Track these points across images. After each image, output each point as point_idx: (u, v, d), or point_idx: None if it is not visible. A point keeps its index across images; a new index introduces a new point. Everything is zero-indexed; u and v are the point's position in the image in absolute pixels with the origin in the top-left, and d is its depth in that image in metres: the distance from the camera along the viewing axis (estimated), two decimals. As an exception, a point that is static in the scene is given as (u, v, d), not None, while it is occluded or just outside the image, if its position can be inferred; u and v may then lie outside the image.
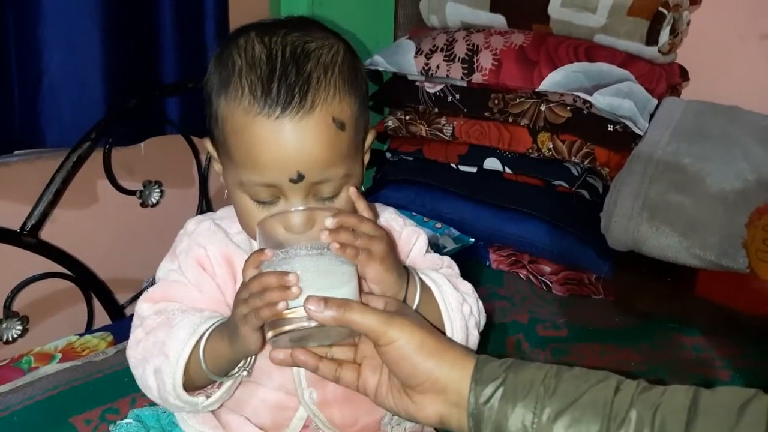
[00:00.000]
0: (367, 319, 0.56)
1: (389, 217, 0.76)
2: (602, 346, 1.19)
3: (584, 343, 1.20)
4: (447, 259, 0.77)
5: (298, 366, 0.62)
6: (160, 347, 0.64)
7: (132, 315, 1.31)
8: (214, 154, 0.69)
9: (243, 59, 0.62)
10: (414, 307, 0.65)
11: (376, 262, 0.60)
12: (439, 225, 1.53)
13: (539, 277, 1.42)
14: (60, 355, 1.08)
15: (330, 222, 0.58)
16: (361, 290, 0.60)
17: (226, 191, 0.69)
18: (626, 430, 0.51)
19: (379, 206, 0.75)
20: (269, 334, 0.57)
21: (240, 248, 0.69)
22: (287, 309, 0.55)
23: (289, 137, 0.60)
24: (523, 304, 1.34)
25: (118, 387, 0.96)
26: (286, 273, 0.56)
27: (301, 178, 0.61)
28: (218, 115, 0.63)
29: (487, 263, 1.49)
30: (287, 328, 0.56)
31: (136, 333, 0.68)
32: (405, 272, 0.66)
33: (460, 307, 0.68)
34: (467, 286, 0.73)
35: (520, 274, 1.44)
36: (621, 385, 0.55)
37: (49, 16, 1.20)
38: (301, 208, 0.61)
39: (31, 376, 0.99)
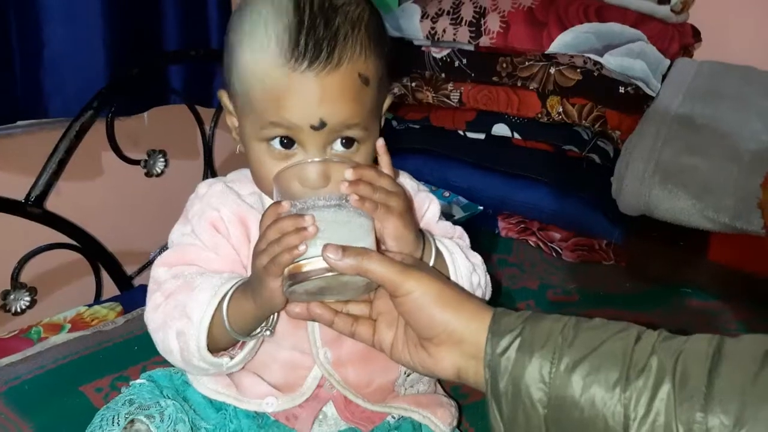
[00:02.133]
0: (384, 269, 0.55)
1: (403, 181, 0.75)
2: (614, 311, 1.18)
3: (596, 308, 1.19)
4: (459, 229, 0.76)
5: (314, 320, 0.61)
6: (181, 310, 0.63)
7: (140, 285, 1.33)
8: (229, 107, 0.69)
9: (269, 9, 0.61)
10: None
11: (394, 216, 0.60)
12: (447, 193, 1.51)
13: (549, 244, 1.40)
14: (69, 326, 1.08)
15: (350, 174, 0.58)
16: (378, 247, 0.59)
17: (239, 147, 0.69)
18: (647, 377, 0.50)
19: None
20: (286, 285, 0.56)
21: (253, 208, 0.69)
22: (305, 259, 0.55)
23: (314, 88, 0.60)
24: (533, 271, 1.33)
25: (128, 355, 0.96)
26: (301, 216, 0.55)
27: (323, 125, 0.60)
28: (240, 65, 0.63)
29: (496, 231, 1.48)
30: (305, 276, 0.55)
31: (154, 297, 0.67)
32: (421, 234, 0.65)
33: (470, 276, 0.68)
34: (477, 258, 0.72)
35: (530, 241, 1.43)
36: (642, 335, 0.53)
37: (49, -16, 1.18)
38: (318, 159, 0.60)
39: (40, 346, 0.99)
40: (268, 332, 0.64)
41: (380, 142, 0.63)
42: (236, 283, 0.63)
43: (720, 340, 0.52)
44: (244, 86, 0.63)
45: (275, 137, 0.63)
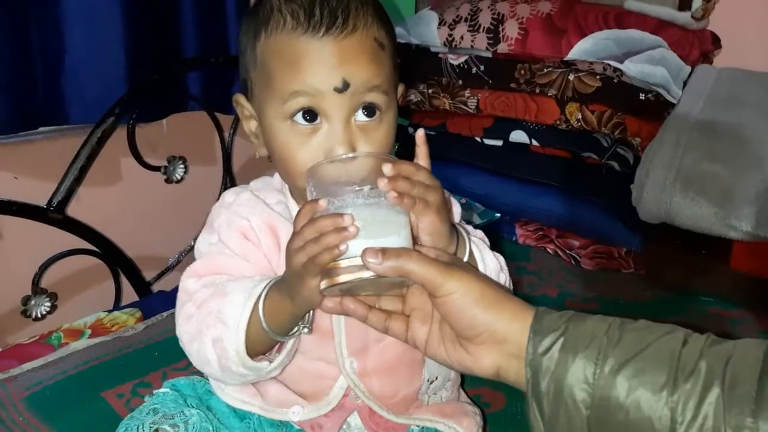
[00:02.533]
0: (425, 269, 0.55)
1: None
2: (634, 319, 1.17)
3: (615, 316, 1.18)
4: (480, 232, 0.76)
5: (348, 314, 0.60)
6: (216, 316, 0.62)
7: (159, 291, 1.33)
8: (247, 107, 0.69)
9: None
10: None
11: (432, 212, 0.59)
12: (464, 200, 1.51)
13: (567, 252, 1.39)
14: (89, 331, 1.08)
15: (388, 169, 0.56)
16: (413, 242, 0.59)
17: (258, 151, 0.69)
18: (695, 381, 0.49)
19: None
20: (323, 284, 0.55)
21: (282, 217, 0.68)
22: (344, 258, 0.54)
23: (333, 51, 0.61)
24: (551, 279, 1.32)
25: (149, 361, 0.96)
26: (340, 215, 0.54)
27: (346, 85, 0.61)
28: (257, 53, 0.64)
29: (514, 238, 1.47)
30: (344, 278, 0.54)
31: (185, 308, 0.66)
32: (455, 228, 0.64)
33: (498, 275, 0.68)
34: (501, 258, 0.72)
35: (548, 249, 1.42)
36: (689, 338, 0.52)
37: (70, -8, 1.19)
38: (351, 155, 0.60)
39: (61, 352, 0.99)
40: (306, 329, 0.63)
41: (420, 132, 0.63)
42: (269, 282, 0.63)
43: None
44: (264, 68, 0.64)
45: (299, 110, 0.62)
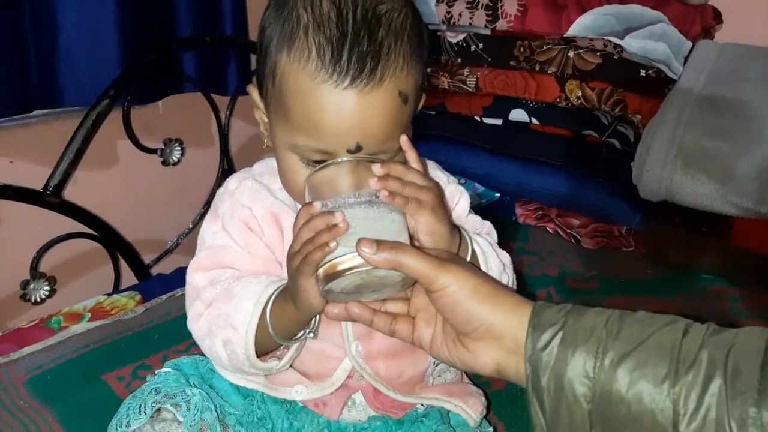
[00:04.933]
0: (419, 263, 0.54)
1: (432, 173, 0.74)
2: (634, 298, 1.16)
3: (616, 295, 1.18)
4: (488, 225, 0.75)
5: (354, 320, 0.60)
6: (225, 320, 0.63)
7: (158, 274, 1.33)
8: (260, 105, 0.67)
9: (310, 14, 0.58)
10: None
11: (426, 210, 0.58)
12: (463, 180, 1.50)
13: (568, 231, 1.39)
14: (89, 315, 1.07)
15: (378, 169, 0.56)
16: (412, 244, 0.58)
17: (266, 140, 0.68)
18: (696, 372, 0.48)
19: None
20: (322, 285, 0.55)
21: (285, 204, 0.68)
22: (340, 257, 0.54)
23: (354, 108, 0.58)
24: (552, 258, 1.32)
25: (149, 344, 0.96)
26: (332, 213, 0.55)
27: (359, 149, 0.59)
28: (277, 71, 0.61)
29: (514, 218, 1.46)
30: (340, 273, 0.54)
31: (194, 306, 0.67)
32: (457, 229, 0.64)
33: (500, 275, 0.67)
34: (506, 257, 0.71)
35: (548, 228, 1.42)
36: (689, 328, 0.52)
37: (62, -27, 1.17)
38: (347, 158, 0.59)
39: (61, 336, 0.99)
40: (311, 335, 0.64)
41: (403, 138, 0.61)
42: (276, 288, 0.63)
43: None
44: (281, 95, 0.61)
45: (309, 158, 0.61)
